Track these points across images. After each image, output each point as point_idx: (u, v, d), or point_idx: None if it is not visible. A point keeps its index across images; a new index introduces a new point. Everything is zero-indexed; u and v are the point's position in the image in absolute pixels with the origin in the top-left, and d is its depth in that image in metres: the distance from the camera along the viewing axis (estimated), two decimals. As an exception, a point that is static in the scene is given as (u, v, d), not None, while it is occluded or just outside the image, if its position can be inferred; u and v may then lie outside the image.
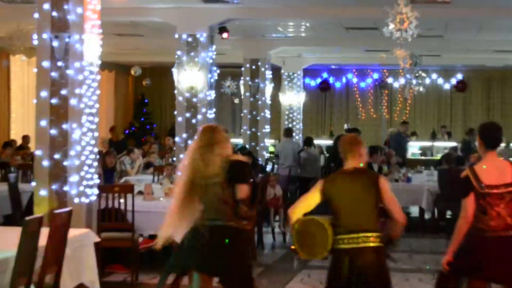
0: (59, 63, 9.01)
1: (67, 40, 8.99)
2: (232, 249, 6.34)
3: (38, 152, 9.09)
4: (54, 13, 9.00)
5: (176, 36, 14.64)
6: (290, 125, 23.72)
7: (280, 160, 17.64)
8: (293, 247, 6.20)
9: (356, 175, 6.21)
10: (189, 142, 14.40)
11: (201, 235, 6.32)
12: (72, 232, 7.26)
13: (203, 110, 14.60)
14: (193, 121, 14.48)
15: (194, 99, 14.59)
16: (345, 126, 24.70)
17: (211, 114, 14.82)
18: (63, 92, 8.99)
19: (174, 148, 15.67)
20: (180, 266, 6.47)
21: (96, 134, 9.49)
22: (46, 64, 9.05)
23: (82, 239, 7.73)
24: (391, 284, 6.15)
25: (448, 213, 15.77)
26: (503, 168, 6.06)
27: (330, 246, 6.03)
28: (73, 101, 8.99)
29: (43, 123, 9.05)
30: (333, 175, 6.41)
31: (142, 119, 29.65)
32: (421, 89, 23.65)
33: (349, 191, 6.13)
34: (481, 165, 6.13)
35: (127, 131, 28.23)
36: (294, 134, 21.19)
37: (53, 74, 9.01)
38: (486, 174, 6.02)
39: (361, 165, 6.29)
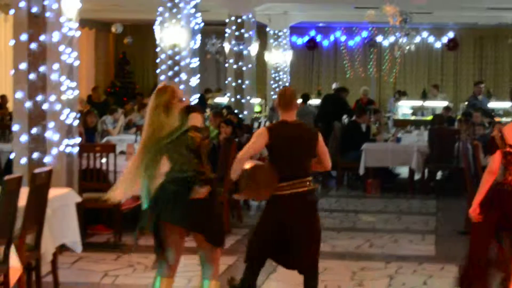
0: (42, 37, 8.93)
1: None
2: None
3: (15, 128, 9.08)
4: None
5: (159, -9, 14.54)
6: (276, 85, 23.95)
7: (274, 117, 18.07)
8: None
9: (300, 127, 7.01)
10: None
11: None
12: (53, 192, 7.27)
13: (187, 69, 14.57)
14: (176, 79, 14.44)
15: (177, 57, 14.53)
16: (333, 85, 24.72)
17: (194, 73, 14.79)
18: (42, 68, 8.93)
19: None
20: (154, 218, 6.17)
21: (76, 92, 9.47)
22: (24, 37, 8.92)
23: (63, 199, 7.74)
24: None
25: (438, 174, 15.88)
26: None
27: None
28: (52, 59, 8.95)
29: (19, 95, 8.97)
30: (277, 125, 7.05)
31: (124, 78, 29.53)
32: (411, 47, 23.68)
33: (294, 141, 6.83)
34: (508, 126, 6.72)
35: (108, 91, 28.13)
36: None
37: (32, 46, 8.91)
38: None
39: None
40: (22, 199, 6.56)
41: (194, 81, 14.77)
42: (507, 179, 6.61)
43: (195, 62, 14.91)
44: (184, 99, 6.37)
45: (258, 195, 7.08)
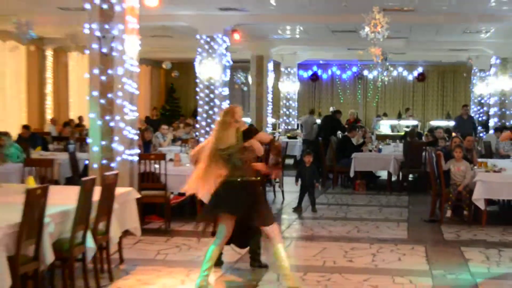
0: (109, 71, 8.89)
1: (113, 37, 8.87)
2: (255, 196, 6.57)
3: (89, 140, 9.09)
4: (104, 6, 8.85)
5: (198, 37, 14.63)
6: (284, 108, 24.06)
7: (303, 129, 19.42)
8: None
9: None
10: (209, 121, 14.49)
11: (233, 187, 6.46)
12: (119, 190, 7.29)
13: (219, 96, 14.64)
14: (211, 104, 14.54)
15: (212, 87, 14.62)
16: (331, 109, 24.65)
17: (225, 99, 14.87)
18: (110, 95, 8.89)
19: (197, 125, 15.70)
20: (215, 211, 6.51)
21: (136, 114, 9.53)
22: (96, 71, 8.88)
23: (126, 196, 7.75)
24: None
25: (410, 176, 15.82)
26: None
27: None
28: (119, 95, 9.01)
29: (92, 115, 8.95)
30: None
31: (172, 103, 29.71)
32: (390, 79, 23.65)
33: None
34: None
35: (160, 113, 28.27)
36: (290, 114, 22.10)
37: (102, 77, 8.86)
38: None
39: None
40: (96, 196, 6.63)
41: (225, 105, 14.82)
42: None
43: (225, 91, 14.96)
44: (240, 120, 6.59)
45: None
